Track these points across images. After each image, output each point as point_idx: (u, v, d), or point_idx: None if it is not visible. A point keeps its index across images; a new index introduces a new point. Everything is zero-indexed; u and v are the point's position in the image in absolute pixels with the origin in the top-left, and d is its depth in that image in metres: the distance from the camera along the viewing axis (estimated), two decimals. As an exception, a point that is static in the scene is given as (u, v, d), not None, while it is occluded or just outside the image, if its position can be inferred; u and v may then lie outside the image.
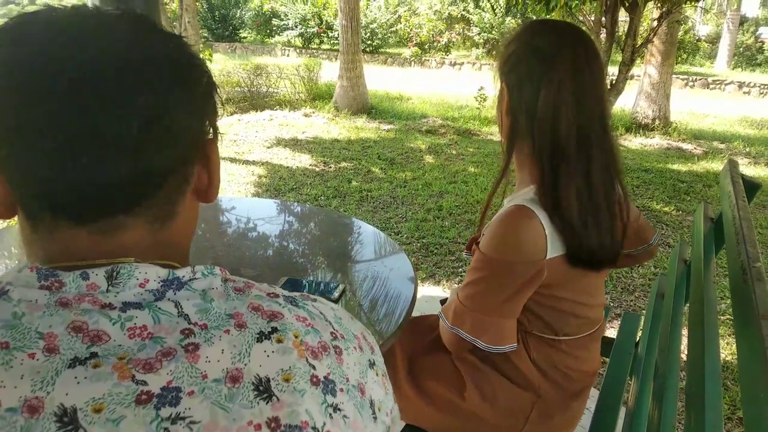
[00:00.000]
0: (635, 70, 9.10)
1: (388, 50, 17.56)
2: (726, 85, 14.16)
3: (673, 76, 8.80)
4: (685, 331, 1.52)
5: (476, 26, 16.58)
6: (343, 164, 5.56)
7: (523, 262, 0.98)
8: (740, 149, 7.12)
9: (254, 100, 8.62)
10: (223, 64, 9.12)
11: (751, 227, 0.94)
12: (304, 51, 16.82)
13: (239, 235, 1.74)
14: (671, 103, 8.11)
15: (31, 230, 0.49)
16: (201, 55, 0.57)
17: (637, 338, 1.54)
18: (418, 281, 2.59)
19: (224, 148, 6.08)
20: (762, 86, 13.80)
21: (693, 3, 5.50)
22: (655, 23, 5.95)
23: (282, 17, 17.51)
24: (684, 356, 1.69)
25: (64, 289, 0.46)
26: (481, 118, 8.17)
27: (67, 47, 0.44)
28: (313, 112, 8.25)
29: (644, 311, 2.86)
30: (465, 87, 10.92)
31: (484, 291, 1.01)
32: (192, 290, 0.50)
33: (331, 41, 16.74)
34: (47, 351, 0.42)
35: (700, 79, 14.37)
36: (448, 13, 17.43)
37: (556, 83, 0.97)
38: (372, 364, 0.55)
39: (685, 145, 7.11)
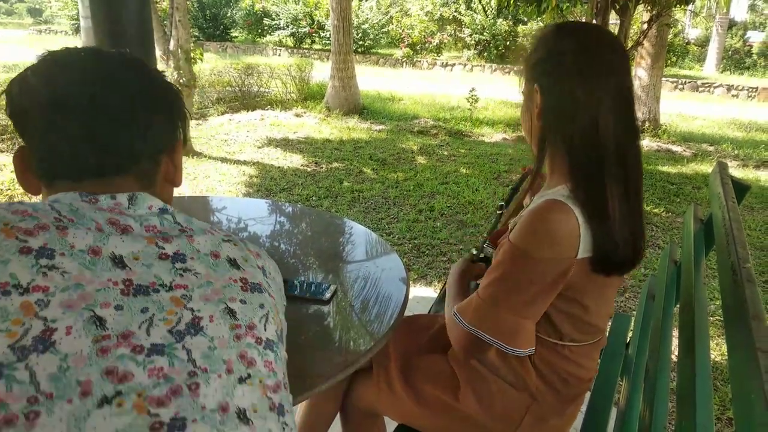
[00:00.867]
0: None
1: (379, 51, 17.57)
2: (715, 87, 14.30)
3: (663, 78, 8.87)
4: (675, 332, 1.53)
5: (468, 27, 16.64)
6: (335, 164, 5.56)
7: (554, 259, 0.95)
8: (729, 151, 7.19)
9: (245, 100, 8.59)
10: (214, 64, 9.08)
11: (740, 228, 0.95)
12: (295, 51, 16.79)
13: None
14: (661, 105, 8.17)
15: (50, 193, 0.71)
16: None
17: (628, 339, 1.55)
18: (410, 282, 2.58)
19: (215, 148, 6.05)
20: (750, 89, 13.95)
21: (683, 6, 5.55)
22: (645, 26, 6.00)
23: (273, 17, 17.47)
24: (674, 357, 1.70)
25: (99, 203, 0.68)
26: (473, 119, 8.19)
27: (87, 84, 0.71)
28: (305, 112, 8.24)
29: (634, 312, 2.88)
30: (456, 88, 10.94)
31: (510, 288, 0.98)
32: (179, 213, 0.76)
33: (323, 41, 16.72)
34: (96, 230, 0.65)
35: (689, 82, 14.51)
36: (440, 15, 17.48)
37: (592, 84, 0.98)
38: (230, 240, 0.75)
39: (675, 147, 7.17)
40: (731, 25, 18.04)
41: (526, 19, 14.65)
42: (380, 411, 1.31)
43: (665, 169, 6.03)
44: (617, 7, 5.45)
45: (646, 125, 7.87)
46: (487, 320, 0.99)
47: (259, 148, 6.17)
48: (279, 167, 5.41)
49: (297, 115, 8.05)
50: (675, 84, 14.37)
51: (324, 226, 1.86)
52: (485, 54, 16.52)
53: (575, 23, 1.12)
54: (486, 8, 15.94)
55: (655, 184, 5.35)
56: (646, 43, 7.37)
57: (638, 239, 1.01)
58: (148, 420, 0.55)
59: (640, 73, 7.83)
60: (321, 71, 10.00)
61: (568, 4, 4.84)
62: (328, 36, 14.87)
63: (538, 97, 1.02)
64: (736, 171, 6.20)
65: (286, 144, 6.42)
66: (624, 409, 1.25)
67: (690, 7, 5.68)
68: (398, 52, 17.07)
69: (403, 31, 17.40)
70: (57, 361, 0.54)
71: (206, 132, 6.82)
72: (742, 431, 0.62)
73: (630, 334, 1.58)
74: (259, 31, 18.20)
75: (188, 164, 5.25)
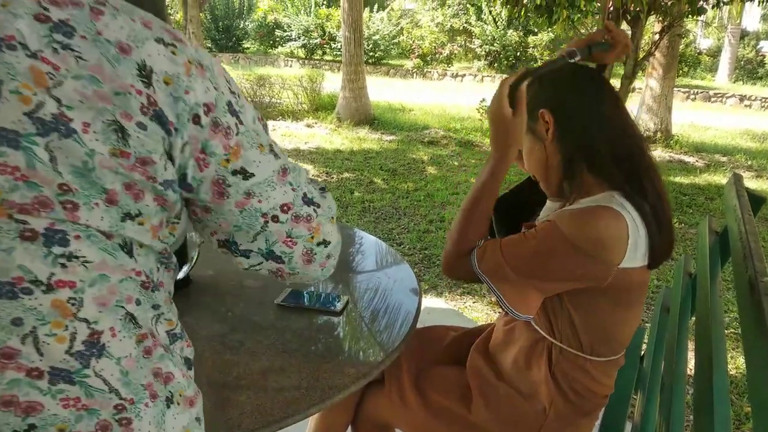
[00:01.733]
0: (637, 83, 9.13)
1: (390, 62, 17.65)
2: (727, 98, 14.21)
3: (675, 89, 8.83)
4: (690, 344, 1.51)
5: (478, 38, 16.67)
6: (346, 175, 5.57)
7: (593, 258, 0.95)
8: (742, 162, 7.12)
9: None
10: (226, 75, 9.15)
11: (757, 241, 0.94)
12: (306, 62, 16.91)
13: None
14: (673, 115, 8.12)
15: None
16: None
17: (642, 352, 1.53)
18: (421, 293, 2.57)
19: (227, 158, 6.08)
20: (763, 99, 13.84)
21: (694, 17, 5.53)
22: (657, 37, 5.98)
23: (285, 28, 17.63)
24: (689, 370, 1.68)
25: None
26: (483, 130, 8.19)
27: None
28: (316, 123, 8.28)
29: (647, 323, 2.85)
30: (467, 98, 10.95)
31: (534, 257, 0.99)
32: None
33: (334, 52, 16.83)
34: None
35: (701, 92, 14.42)
36: (450, 26, 17.53)
37: (607, 99, 1.04)
38: (165, 43, 0.56)
39: (687, 158, 7.11)
40: (743, 35, 17.95)
41: (536, 30, 14.67)
42: (392, 423, 1.30)
43: (678, 179, 5.98)
44: (629, 18, 5.44)
45: (658, 135, 7.83)
46: (503, 277, 1.01)
47: (271, 158, 6.20)
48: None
49: (308, 126, 8.10)
50: (687, 94, 14.29)
51: (335, 237, 1.86)
52: (495, 65, 16.53)
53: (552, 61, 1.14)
54: (496, 19, 15.97)
55: (667, 195, 5.30)
56: (657, 54, 7.34)
57: (671, 232, 1.08)
58: None
59: (651, 84, 7.80)
60: (332, 82, 10.06)
61: (579, 15, 4.84)
62: (339, 47, 14.97)
63: (550, 119, 1.03)
64: (750, 182, 6.14)
65: (297, 154, 6.45)
66: (639, 424, 1.23)
67: (702, 17, 5.65)
68: (409, 63, 17.13)
69: (413, 42, 17.47)
70: None
71: (218, 142, 6.86)
72: (763, 448, 0.61)
73: (644, 347, 1.56)
74: (271, 42, 18.36)
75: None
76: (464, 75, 16.30)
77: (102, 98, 0.51)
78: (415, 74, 16.61)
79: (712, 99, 14.27)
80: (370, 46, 16.53)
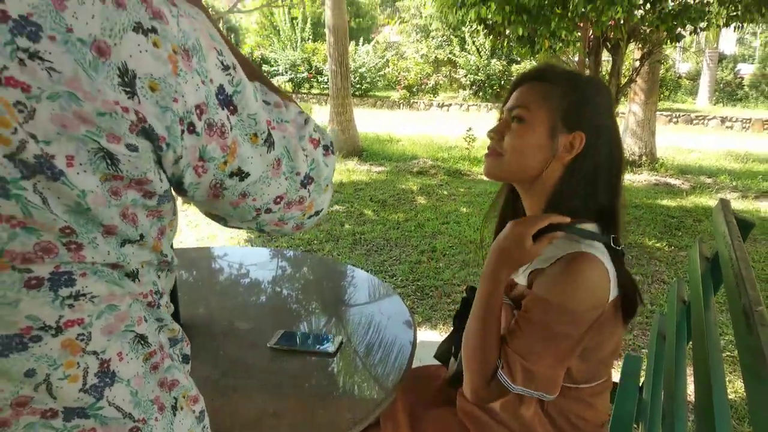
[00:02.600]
0: (620, 109, 9.30)
1: (377, 93, 17.87)
2: (709, 120, 14.49)
3: (657, 112, 8.99)
4: (689, 369, 1.50)
5: (462, 68, 16.96)
6: (336, 207, 5.57)
7: (592, 307, 0.96)
8: (727, 183, 7.21)
9: (246, 145, 8.68)
10: (214, 111, 9.21)
11: (749, 268, 0.94)
12: (294, 95, 17.09)
13: (232, 285, 1.71)
14: (657, 139, 8.26)
15: None
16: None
17: (641, 381, 1.51)
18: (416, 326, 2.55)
19: (216, 194, 6.07)
20: (744, 120, 14.13)
21: (673, 44, 5.67)
22: (637, 63, 6.12)
23: (272, 63, 17.85)
24: (689, 396, 1.66)
25: None
26: (471, 158, 8.26)
27: None
28: (305, 156, 8.31)
29: (644, 349, 2.83)
30: (453, 128, 11.08)
31: (550, 342, 0.97)
32: None
33: (321, 86, 17.03)
34: None
35: (683, 115, 14.70)
36: (435, 57, 17.85)
37: (617, 122, 1.07)
38: (145, 30, 0.47)
39: (673, 181, 7.20)
40: (721, 58, 18.41)
41: (519, 59, 14.97)
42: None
43: (665, 202, 6.04)
44: (609, 46, 5.57)
45: (643, 159, 7.93)
46: (536, 378, 0.97)
47: (260, 192, 6.20)
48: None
49: (297, 159, 8.12)
50: (669, 117, 14.55)
51: (326, 273, 1.84)
52: (481, 93, 16.80)
53: (597, 78, 1.18)
54: (480, 49, 16.29)
55: (656, 218, 5.35)
56: (638, 80, 7.50)
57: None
58: None
59: (634, 109, 7.95)
60: (320, 115, 10.14)
61: (561, 45, 4.95)
62: (326, 80, 15.15)
63: (580, 144, 1.01)
64: (736, 203, 6.21)
65: (286, 188, 6.45)
66: (641, 456, 1.21)
67: (680, 43, 5.81)
68: (395, 94, 17.36)
69: (399, 73, 17.74)
70: None
71: (207, 178, 6.86)
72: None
73: (642, 373, 1.55)
74: (258, 77, 18.54)
75: (190, 211, 5.26)
76: (450, 105, 16.53)
77: (84, 120, 0.45)
78: (401, 105, 16.81)
79: (694, 121, 14.54)
80: (357, 78, 16.75)
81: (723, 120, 14.34)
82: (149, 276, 0.58)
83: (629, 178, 7.23)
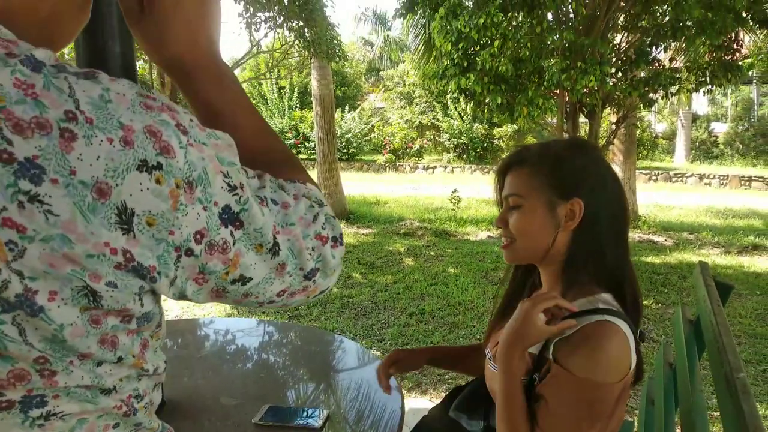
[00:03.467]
0: (600, 168, 9.49)
1: (363, 157, 18.20)
2: (687, 177, 14.87)
3: (637, 171, 9.23)
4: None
5: (446, 132, 17.41)
6: (323, 271, 5.55)
7: (620, 380, 0.94)
8: (709, 239, 7.33)
9: (233, 211, 8.72)
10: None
11: (729, 334, 0.95)
12: (281, 161, 17.30)
13: (218, 357, 1.69)
14: (638, 197, 8.44)
15: None
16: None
17: (633, 448, 1.49)
18: (404, 392, 2.51)
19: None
20: (721, 177, 14.52)
21: (647, 108, 5.91)
22: (614, 126, 6.33)
23: (260, 130, 18.17)
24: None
25: None
26: (457, 219, 8.35)
27: None
28: (292, 220, 8.35)
29: (636, 411, 2.78)
30: (439, 189, 11.25)
31: (587, 422, 0.94)
32: None
33: (308, 151, 17.33)
34: None
35: (662, 173, 15.09)
36: (419, 122, 18.34)
37: (611, 169, 1.08)
38: (150, 168, 0.47)
39: (656, 238, 7.31)
40: (695, 118, 19.10)
41: (500, 124, 15.41)
42: None
43: (649, 259, 6.11)
44: (585, 111, 5.78)
45: (626, 217, 8.07)
46: None
47: (247, 258, 6.18)
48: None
49: (284, 223, 8.16)
50: (649, 175, 14.93)
51: (312, 343, 1.83)
52: (464, 156, 17.18)
53: (575, 138, 1.19)
54: (462, 114, 16.80)
55: (641, 275, 5.39)
56: (616, 141, 7.75)
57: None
58: None
59: (614, 168, 8.15)
60: (307, 179, 10.25)
61: (538, 111, 5.14)
62: (313, 146, 15.43)
63: (579, 211, 1.03)
64: (719, 258, 6.29)
65: (273, 253, 6.44)
66: None
67: (653, 107, 6.05)
68: (381, 158, 17.69)
69: (384, 138, 18.15)
70: None
71: (194, 244, 6.84)
72: None
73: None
74: (246, 143, 18.85)
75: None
76: (435, 167, 16.85)
77: (72, 261, 0.46)
78: (387, 168, 17.10)
79: (673, 179, 14.91)
80: (343, 143, 17.10)
81: (701, 177, 14.73)
82: (129, 385, 0.57)
83: (613, 237, 7.32)
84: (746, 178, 14.26)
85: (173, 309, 4.38)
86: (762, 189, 13.80)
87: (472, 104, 5.71)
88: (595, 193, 1.04)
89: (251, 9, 6.84)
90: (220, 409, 1.31)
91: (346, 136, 17.37)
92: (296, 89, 18.65)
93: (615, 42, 6.01)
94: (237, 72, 15.59)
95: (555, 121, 6.42)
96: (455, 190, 8.59)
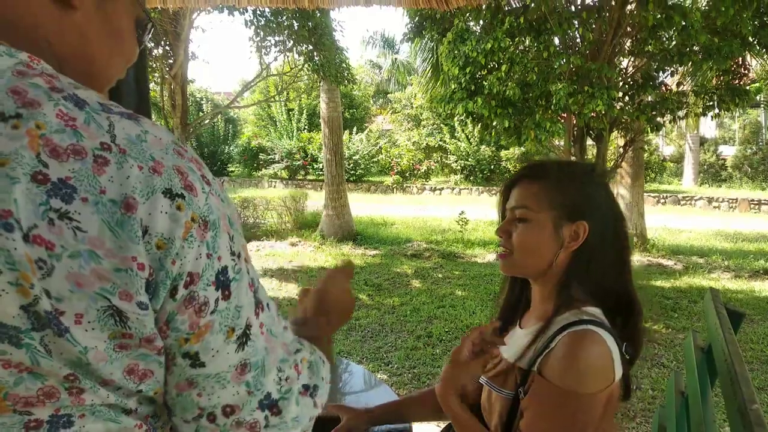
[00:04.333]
0: (608, 191, 9.46)
1: (371, 179, 18.27)
2: (696, 200, 14.79)
3: (645, 194, 9.19)
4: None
5: (453, 154, 17.48)
6: (330, 293, 5.54)
7: (602, 389, 0.94)
8: (719, 263, 7.25)
9: (241, 232, 8.75)
10: (210, 198, 9.36)
11: (742, 363, 0.94)
12: (290, 182, 17.43)
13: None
14: (646, 220, 8.39)
15: None
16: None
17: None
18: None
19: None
20: (730, 200, 14.43)
21: (655, 132, 5.92)
22: (622, 149, 6.34)
23: (269, 152, 18.34)
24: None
25: None
26: (465, 241, 8.33)
27: None
28: (300, 241, 8.37)
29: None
30: (446, 211, 11.24)
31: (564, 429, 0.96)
32: None
33: (316, 172, 17.42)
34: None
35: (670, 196, 15.02)
36: (426, 144, 18.42)
37: (615, 199, 1.11)
38: (173, 195, 0.50)
39: (666, 261, 7.24)
40: (702, 141, 19.07)
41: (507, 146, 15.45)
42: None
43: (659, 283, 6.05)
44: (593, 135, 5.79)
45: (635, 240, 8.02)
46: None
47: (254, 279, 6.18)
48: (273, 297, 5.37)
49: (292, 244, 8.17)
50: (657, 198, 14.87)
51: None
52: (471, 178, 17.21)
53: (588, 164, 1.21)
54: (469, 136, 16.88)
55: (651, 299, 5.33)
56: (624, 164, 7.74)
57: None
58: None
59: (621, 192, 8.13)
60: (315, 200, 10.31)
61: (546, 135, 5.16)
62: (321, 167, 15.54)
63: (584, 233, 1.04)
64: (730, 283, 6.23)
65: (281, 274, 6.44)
66: None
67: (662, 131, 6.06)
68: (389, 179, 17.74)
69: (392, 159, 18.23)
70: None
71: (201, 265, 6.86)
72: None
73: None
74: (255, 165, 19.01)
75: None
76: (442, 188, 16.87)
77: (100, 277, 0.47)
78: (395, 189, 17.15)
79: (682, 202, 14.84)
80: (351, 165, 17.18)
81: (710, 200, 14.65)
82: (148, 407, 0.57)
83: (622, 260, 7.27)
84: (755, 202, 14.16)
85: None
86: (772, 212, 13.70)
87: (479, 127, 5.75)
88: (599, 220, 1.05)
89: (261, 33, 6.96)
90: None
91: (354, 157, 17.47)
92: (305, 111, 18.83)
93: (622, 66, 6.05)
94: (246, 95, 15.78)
95: (562, 144, 6.44)
96: (463, 212, 8.58)
